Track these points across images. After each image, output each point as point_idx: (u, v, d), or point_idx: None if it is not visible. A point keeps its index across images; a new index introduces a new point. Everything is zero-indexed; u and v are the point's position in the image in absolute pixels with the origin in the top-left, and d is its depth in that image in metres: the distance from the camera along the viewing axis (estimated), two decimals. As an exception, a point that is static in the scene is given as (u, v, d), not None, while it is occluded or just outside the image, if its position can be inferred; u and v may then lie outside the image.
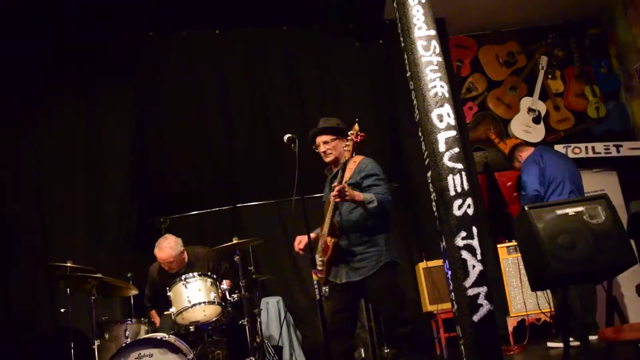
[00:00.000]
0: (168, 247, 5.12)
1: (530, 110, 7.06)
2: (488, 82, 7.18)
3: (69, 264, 4.87)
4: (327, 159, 4.11)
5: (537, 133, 6.98)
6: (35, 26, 5.96)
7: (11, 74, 6.02)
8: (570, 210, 3.68)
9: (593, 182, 6.68)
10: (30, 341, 5.52)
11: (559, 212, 3.67)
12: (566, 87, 7.24)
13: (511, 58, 7.24)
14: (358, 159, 4.08)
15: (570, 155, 6.77)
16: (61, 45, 6.14)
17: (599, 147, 6.90)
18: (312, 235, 3.93)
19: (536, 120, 7.04)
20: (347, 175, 3.95)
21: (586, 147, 6.91)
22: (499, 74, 7.20)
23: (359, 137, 3.74)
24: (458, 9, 6.53)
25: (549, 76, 7.24)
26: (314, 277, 3.84)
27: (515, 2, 6.64)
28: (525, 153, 5.66)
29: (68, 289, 4.85)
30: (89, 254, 5.66)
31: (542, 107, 7.11)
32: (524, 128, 6.99)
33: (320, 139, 4.12)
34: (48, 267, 5.30)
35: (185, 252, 5.29)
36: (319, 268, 3.99)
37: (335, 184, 3.73)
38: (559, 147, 6.85)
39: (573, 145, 6.89)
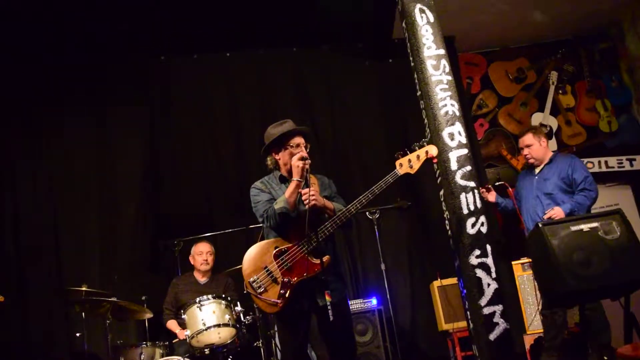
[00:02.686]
0: (206, 242, 5.72)
1: (541, 125, 7.04)
2: (499, 99, 7.19)
3: (84, 288, 4.88)
4: (307, 166, 3.60)
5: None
6: (49, 49, 6.04)
7: (25, 97, 6.12)
8: (585, 227, 3.66)
9: (607, 196, 6.63)
10: (46, 365, 5.53)
11: (574, 228, 3.65)
12: (577, 101, 7.23)
13: (521, 74, 7.25)
14: (312, 175, 3.81)
15: (584, 170, 6.75)
16: (74, 68, 6.22)
17: (612, 161, 6.87)
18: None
19: (548, 136, 7.01)
20: (316, 189, 3.79)
21: (599, 162, 6.89)
22: (509, 90, 7.21)
23: (434, 160, 3.73)
24: (467, 27, 6.56)
25: (560, 91, 7.23)
26: (327, 297, 3.42)
27: (523, 18, 6.66)
28: (545, 141, 5.35)
29: (83, 313, 4.86)
30: (103, 278, 5.68)
31: (553, 123, 7.09)
32: (536, 144, 6.96)
33: (301, 140, 3.78)
34: (63, 291, 5.32)
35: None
36: (282, 291, 3.53)
37: (312, 189, 3.54)
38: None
39: (586, 159, 6.86)
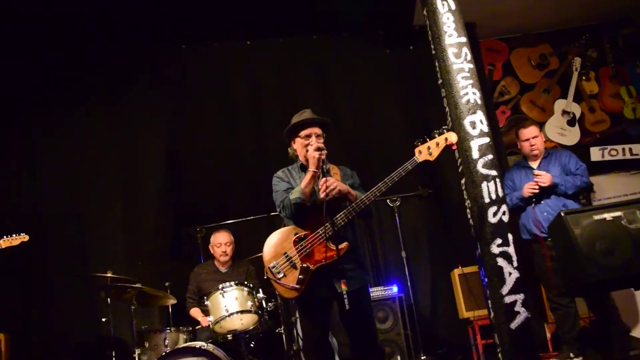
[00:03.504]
0: (225, 231, 5.72)
1: (564, 112, 6.97)
2: (521, 86, 7.11)
3: (109, 275, 4.98)
4: (323, 156, 3.64)
5: (572, 136, 6.87)
6: (73, 38, 6.10)
7: (49, 85, 6.23)
8: (608, 215, 3.65)
9: (631, 184, 6.56)
10: (72, 350, 5.65)
11: (597, 217, 3.65)
12: (601, 88, 7.13)
13: (544, 60, 7.17)
14: (335, 166, 3.93)
15: (607, 157, 6.68)
16: (98, 56, 6.30)
17: (637, 148, 6.79)
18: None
19: (571, 123, 6.94)
20: (337, 179, 3.83)
21: (623, 149, 6.81)
22: (531, 77, 7.13)
23: (454, 147, 3.73)
24: (488, 13, 6.48)
25: (583, 77, 7.13)
26: (343, 286, 3.45)
27: (546, 4, 6.56)
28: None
29: (109, 299, 4.96)
30: (127, 264, 5.77)
31: (576, 109, 7.01)
32: (559, 131, 6.89)
33: (314, 130, 3.82)
34: (89, 278, 5.43)
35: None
36: (301, 276, 3.58)
37: (330, 179, 3.60)
38: (594, 150, 6.76)
39: (609, 147, 6.80)
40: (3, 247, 4.66)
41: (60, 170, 6.14)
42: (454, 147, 3.74)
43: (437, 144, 3.68)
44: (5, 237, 4.80)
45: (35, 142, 6.17)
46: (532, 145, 5.22)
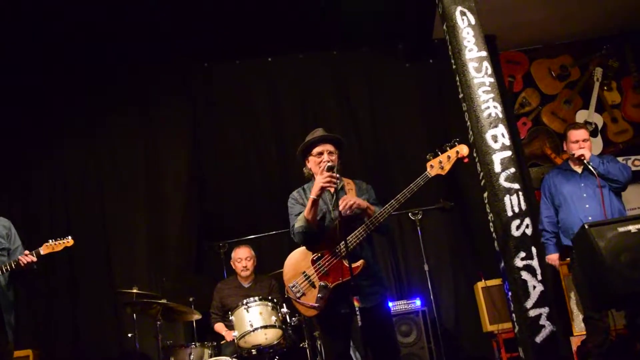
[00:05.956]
0: (246, 247, 5.73)
1: (586, 123, 6.93)
2: (541, 97, 7.08)
3: (134, 290, 5.04)
4: (334, 179, 3.59)
5: (595, 146, 6.81)
6: (101, 55, 6.22)
7: (77, 102, 6.37)
8: (633, 227, 3.63)
9: (655, 195, 6.50)
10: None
11: (621, 229, 3.62)
12: (623, 98, 7.08)
13: (564, 71, 7.14)
14: (350, 180, 3.91)
15: (631, 167, 6.61)
16: (122, 73, 6.43)
17: (661, 158, 6.74)
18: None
19: (593, 134, 6.90)
20: (353, 195, 3.80)
21: (647, 159, 6.76)
22: (552, 88, 7.10)
23: (465, 160, 3.69)
24: (508, 25, 6.49)
25: (605, 88, 7.09)
26: (356, 303, 3.34)
27: (566, 15, 6.54)
28: None
29: (134, 315, 5.02)
30: (152, 280, 5.84)
31: (598, 120, 6.97)
32: (581, 142, 6.84)
33: (325, 147, 3.80)
34: (115, 294, 5.49)
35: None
36: (320, 295, 3.58)
37: (347, 198, 3.60)
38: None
39: (633, 157, 6.74)
40: (43, 253, 4.24)
41: (85, 186, 6.24)
42: (466, 160, 3.72)
43: (449, 157, 3.65)
44: (49, 241, 4.37)
45: (63, 157, 6.29)
46: (580, 148, 5.02)
